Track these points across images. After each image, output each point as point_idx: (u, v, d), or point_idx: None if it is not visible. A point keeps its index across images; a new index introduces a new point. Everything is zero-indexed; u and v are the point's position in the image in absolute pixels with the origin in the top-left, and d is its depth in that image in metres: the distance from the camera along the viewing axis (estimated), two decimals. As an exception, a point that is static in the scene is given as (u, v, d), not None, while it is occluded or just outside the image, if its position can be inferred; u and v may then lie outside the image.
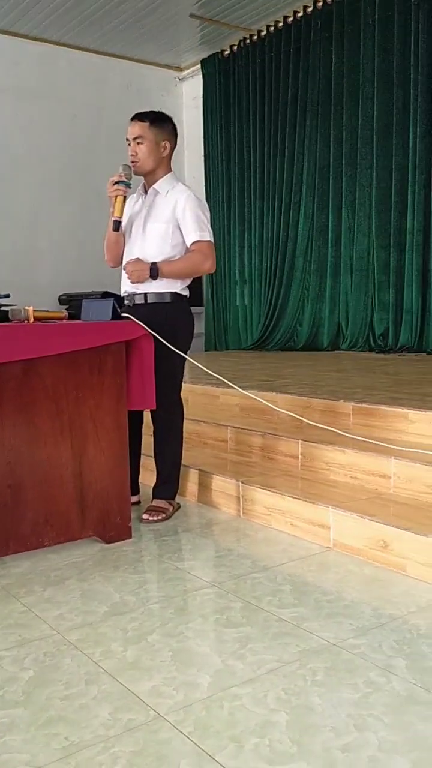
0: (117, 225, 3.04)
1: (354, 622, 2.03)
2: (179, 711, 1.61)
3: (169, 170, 3.11)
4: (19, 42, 7.28)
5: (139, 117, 3.01)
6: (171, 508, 3.11)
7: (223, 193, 7.89)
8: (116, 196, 2.98)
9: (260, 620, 2.06)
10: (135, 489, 3.21)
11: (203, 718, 1.58)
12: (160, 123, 3.02)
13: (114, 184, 2.97)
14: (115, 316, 2.79)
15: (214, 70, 7.94)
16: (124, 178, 2.97)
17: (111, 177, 2.99)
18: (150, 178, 3.08)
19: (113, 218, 3.02)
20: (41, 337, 2.55)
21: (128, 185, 2.99)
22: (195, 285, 3.14)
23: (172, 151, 3.10)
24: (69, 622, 2.09)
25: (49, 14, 6.87)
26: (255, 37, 7.43)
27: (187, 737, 1.51)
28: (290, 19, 7.04)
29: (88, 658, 1.86)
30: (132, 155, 3.00)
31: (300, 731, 1.52)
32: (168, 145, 3.05)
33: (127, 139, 3.02)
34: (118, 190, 2.97)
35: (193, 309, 3.23)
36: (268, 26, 7.26)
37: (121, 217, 3.03)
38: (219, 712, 1.60)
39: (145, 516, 3.04)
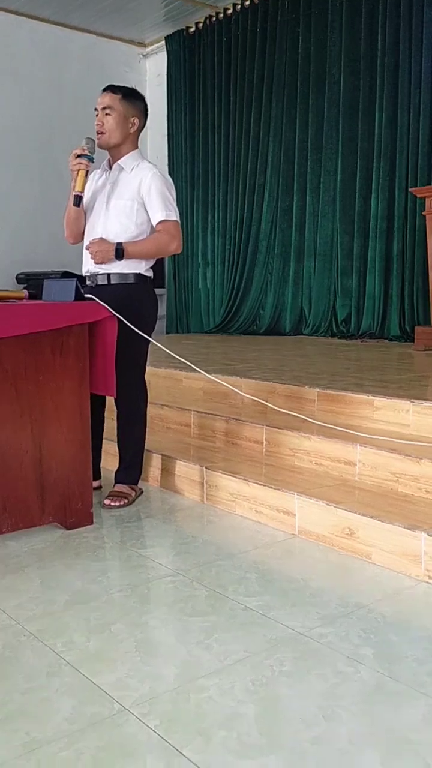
0: (78, 200, 2.94)
1: (320, 611, 2.01)
2: (145, 704, 1.57)
3: (136, 147, 3.03)
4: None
5: (111, 88, 2.93)
6: (133, 494, 3.06)
7: (186, 173, 7.79)
8: (78, 170, 2.88)
9: (226, 609, 2.03)
10: (97, 474, 3.14)
11: (169, 711, 1.54)
12: (132, 99, 2.94)
13: (76, 158, 2.87)
14: (78, 296, 2.71)
15: (179, 47, 7.81)
16: (86, 152, 2.87)
17: (74, 150, 2.89)
18: (115, 153, 2.99)
19: (74, 193, 2.91)
20: (0, 318, 2.45)
21: (91, 159, 2.89)
22: (157, 267, 3.07)
23: (141, 129, 3.02)
24: (29, 611, 2.03)
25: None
26: (221, 15, 7.32)
27: (153, 731, 1.47)
28: (257, -2, 6.94)
29: (50, 650, 1.81)
30: (98, 125, 2.91)
31: (269, 723, 1.50)
32: (137, 121, 2.96)
33: (96, 109, 2.93)
34: (81, 163, 2.87)
35: (156, 291, 3.15)
36: (234, 4, 7.15)
37: (82, 191, 2.93)
38: (186, 705, 1.57)
39: (107, 501, 2.98)
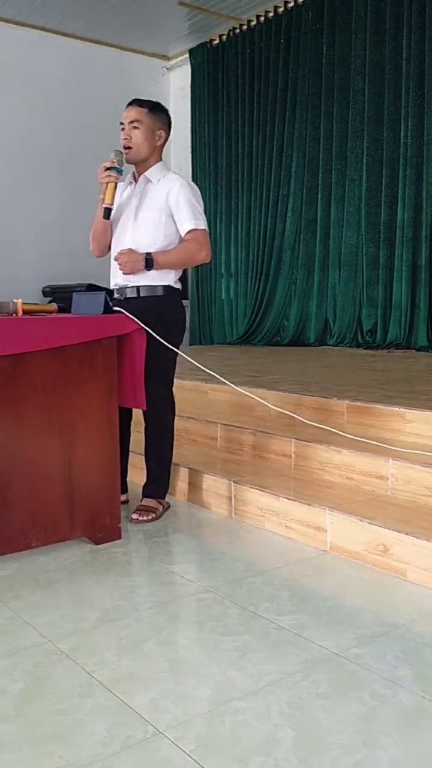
0: (108, 213, 2.93)
1: (356, 630, 1.96)
2: (179, 727, 1.53)
3: (161, 160, 3.02)
4: (3, 27, 7.11)
5: (137, 102, 2.93)
6: (161, 508, 3.03)
7: (210, 185, 7.80)
8: (107, 183, 2.87)
9: (259, 628, 1.99)
10: (123, 487, 3.12)
11: (205, 735, 1.51)
12: (158, 112, 2.94)
13: (105, 170, 2.87)
14: (107, 309, 2.70)
15: (203, 59, 7.84)
16: (116, 164, 2.87)
17: (103, 163, 2.88)
18: (141, 166, 2.98)
19: (104, 205, 2.91)
20: (30, 332, 2.45)
21: (120, 171, 2.89)
22: (181, 278, 3.05)
23: (165, 142, 3.02)
24: (60, 629, 2.01)
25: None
26: (245, 27, 7.34)
27: (189, 756, 1.44)
28: (281, 10, 6.96)
29: (81, 669, 1.78)
30: (125, 139, 2.90)
31: (307, 748, 1.46)
32: (163, 134, 2.96)
33: (122, 123, 2.92)
34: (110, 176, 2.86)
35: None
36: (258, 16, 7.17)
37: (112, 204, 2.92)
38: (221, 728, 1.53)
39: (134, 516, 2.95)
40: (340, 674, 1.74)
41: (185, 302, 8.02)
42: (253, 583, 2.30)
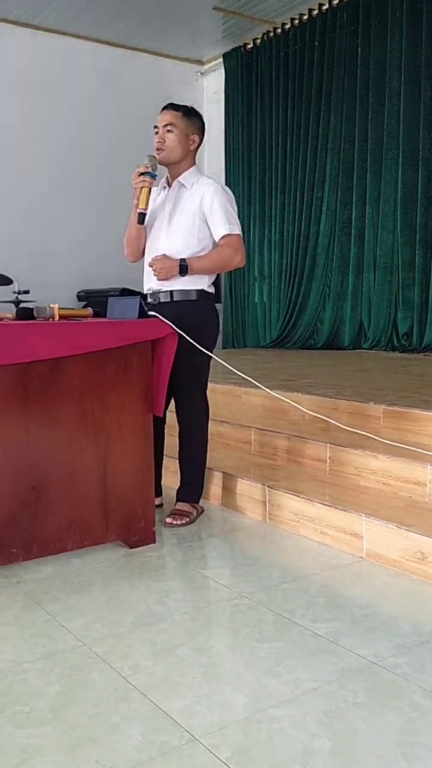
0: (142, 218, 2.94)
1: (394, 639, 1.93)
2: (215, 734, 1.52)
3: (194, 164, 3.03)
4: (40, 35, 7.22)
5: (172, 106, 2.94)
6: (195, 512, 3.03)
7: (243, 188, 7.79)
8: (142, 188, 2.88)
9: (294, 635, 1.97)
10: (158, 491, 3.13)
11: (240, 742, 1.49)
12: (192, 116, 2.95)
13: (140, 175, 2.88)
14: (142, 314, 2.71)
15: (237, 64, 7.84)
16: (150, 169, 2.87)
17: (137, 168, 2.89)
18: (174, 170, 2.99)
19: (138, 210, 2.91)
20: (67, 336, 2.47)
21: (154, 176, 2.89)
22: (214, 281, 3.05)
23: (199, 146, 3.02)
24: (95, 632, 2.01)
25: (70, 7, 6.79)
26: (279, 30, 7.32)
27: (225, 763, 1.43)
28: (315, 12, 6.93)
29: (117, 673, 1.78)
30: (159, 142, 2.91)
31: (345, 759, 1.43)
32: (197, 138, 2.97)
33: (156, 127, 2.93)
34: (144, 181, 2.87)
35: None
36: (292, 19, 7.14)
37: (146, 209, 2.92)
38: (257, 736, 1.52)
39: (168, 520, 2.96)
40: (377, 684, 1.72)
41: (218, 306, 8.05)
42: (289, 590, 2.28)
